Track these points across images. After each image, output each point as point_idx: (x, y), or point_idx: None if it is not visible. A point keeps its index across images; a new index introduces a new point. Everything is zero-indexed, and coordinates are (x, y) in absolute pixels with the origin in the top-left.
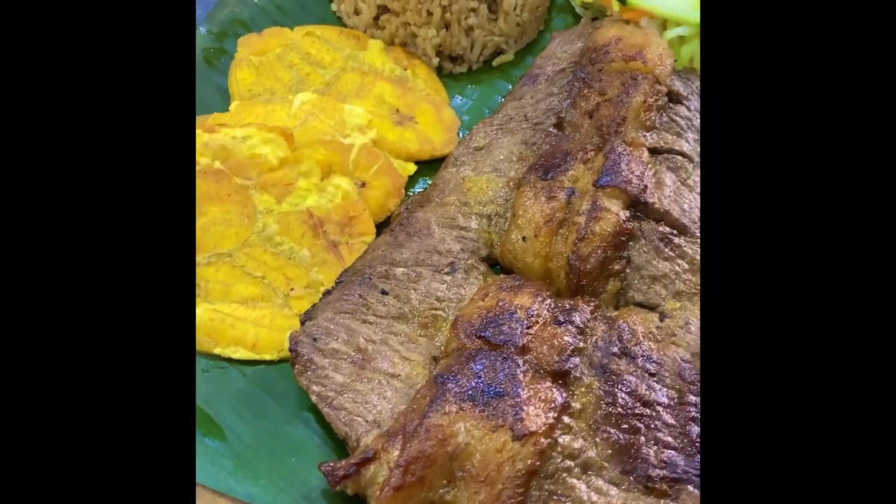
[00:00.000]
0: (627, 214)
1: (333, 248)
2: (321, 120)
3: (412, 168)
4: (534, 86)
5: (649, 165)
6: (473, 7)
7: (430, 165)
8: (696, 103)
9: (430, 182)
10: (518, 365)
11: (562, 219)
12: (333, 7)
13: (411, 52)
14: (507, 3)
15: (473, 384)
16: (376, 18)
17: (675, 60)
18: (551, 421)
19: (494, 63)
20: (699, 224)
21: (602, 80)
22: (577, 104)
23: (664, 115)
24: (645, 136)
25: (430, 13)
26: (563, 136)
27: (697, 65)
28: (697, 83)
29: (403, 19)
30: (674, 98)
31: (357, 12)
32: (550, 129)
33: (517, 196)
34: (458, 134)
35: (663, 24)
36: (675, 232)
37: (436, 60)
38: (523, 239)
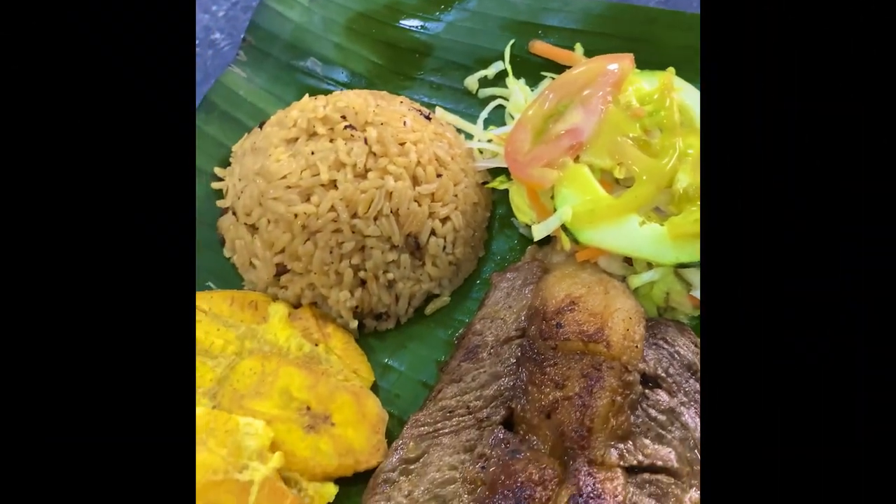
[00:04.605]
0: None
1: None
2: (210, 450)
3: (332, 492)
4: (475, 363)
5: (627, 500)
6: (392, 260)
7: (355, 479)
8: (677, 378)
9: None
10: None
11: None
12: (227, 253)
13: (324, 315)
14: (434, 245)
15: None
16: (277, 275)
17: (647, 318)
18: None
19: (428, 311)
20: None
21: (558, 363)
22: (530, 395)
23: (639, 410)
24: (618, 448)
25: (339, 273)
26: (515, 447)
27: (675, 301)
28: (677, 343)
29: (309, 280)
30: (649, 381)
31: (252, 266)
32: (499, 432)
33: None
34: (386, 433)
35: (627, 257)
36: None
37: (354, 323)
38: None
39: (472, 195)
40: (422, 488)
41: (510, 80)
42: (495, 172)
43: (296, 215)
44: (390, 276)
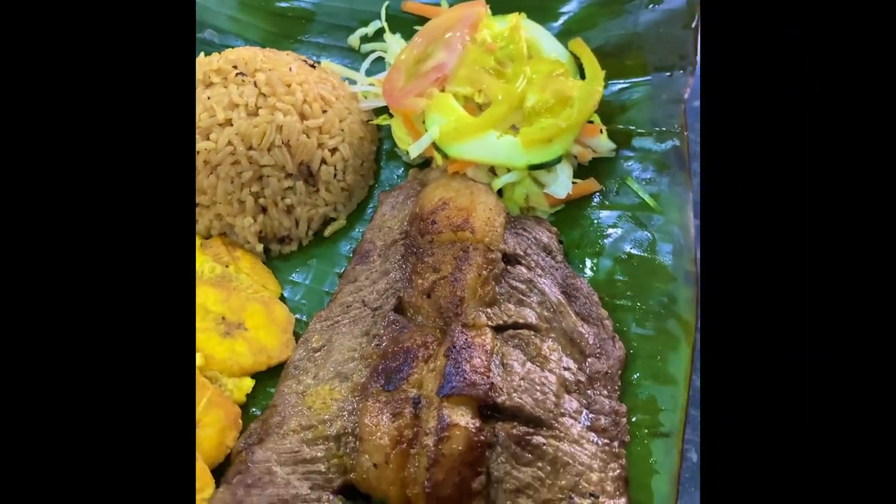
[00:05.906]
0: (478, 423)
1: None
2: None
3: (249, 385)
4: (367, 264)
5: (494, 350)
6: (289, 186)
7: (270, 374)
8: (535, 257)
9: (269, 403)
10: None
11: (411, 437)
12: None
13: (232, 242)
14: (326, 173)
15: None
16: None
17: (508, 212)
18: None
19: (326, 233)
20: (555, 410)
21: (434, 252)
22: (413, 282)
23: (503, 282)
24: (486, 312)
25: (241, 202)
26: (403, 324)
27: (534, 201)
28: (535, 231)
29: (215, 211)
30: (510, 260)
31: None
32: (391, 315)
33: (361, 413)
34: (294, 332)
35: (492, 168)
36: (531, 430)
37: (260, 247)
38: (374, 466)
39: (358, 130)
40: (326, 368)
41: (387, 35)
42: (379, 113)
43: (198, 152)
44: (288, 201)
